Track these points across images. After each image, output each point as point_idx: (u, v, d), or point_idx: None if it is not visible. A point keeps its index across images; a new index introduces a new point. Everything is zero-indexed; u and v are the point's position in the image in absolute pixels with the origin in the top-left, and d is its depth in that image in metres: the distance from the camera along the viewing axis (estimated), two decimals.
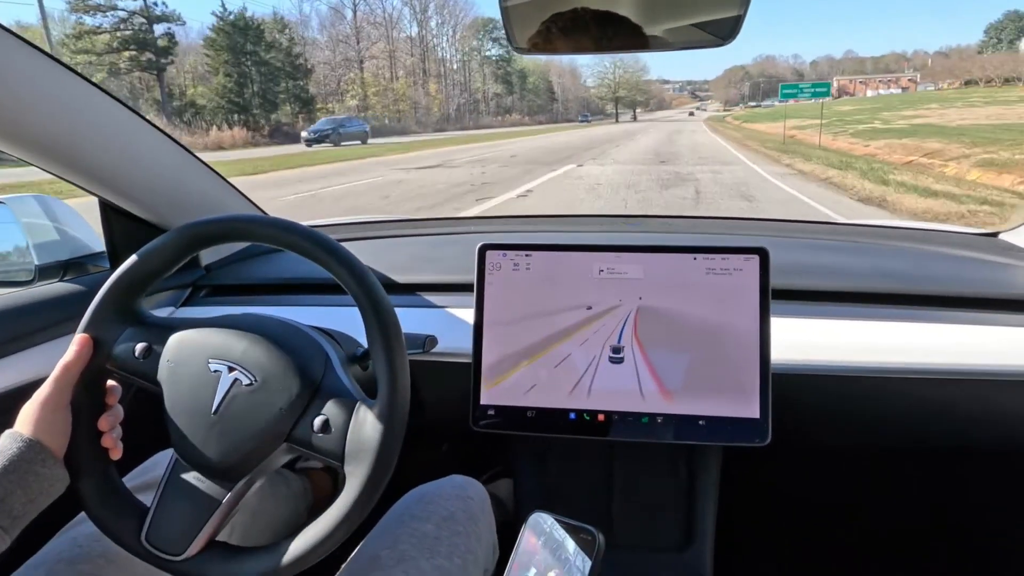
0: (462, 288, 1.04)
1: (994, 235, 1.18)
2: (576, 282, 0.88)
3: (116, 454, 0.66)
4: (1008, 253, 1.09)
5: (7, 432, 0.59)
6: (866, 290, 0.97)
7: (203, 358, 0.63)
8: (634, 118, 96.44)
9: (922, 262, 1.09)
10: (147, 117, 0.97)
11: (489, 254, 0.90)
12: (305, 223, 0.69)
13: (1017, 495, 1.18)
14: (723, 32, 0.70)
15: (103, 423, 0.65)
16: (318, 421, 0.60)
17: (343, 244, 0.64)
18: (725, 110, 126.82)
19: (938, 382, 0.88)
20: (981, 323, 0.90)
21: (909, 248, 1.16)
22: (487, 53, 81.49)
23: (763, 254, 0.84)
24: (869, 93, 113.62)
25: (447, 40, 74.25)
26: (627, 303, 0.87)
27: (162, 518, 0.62)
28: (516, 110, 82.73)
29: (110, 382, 0.66)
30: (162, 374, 0.64)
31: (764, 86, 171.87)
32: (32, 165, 0.86)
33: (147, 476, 0.83)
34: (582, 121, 74.54)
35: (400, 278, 1.08)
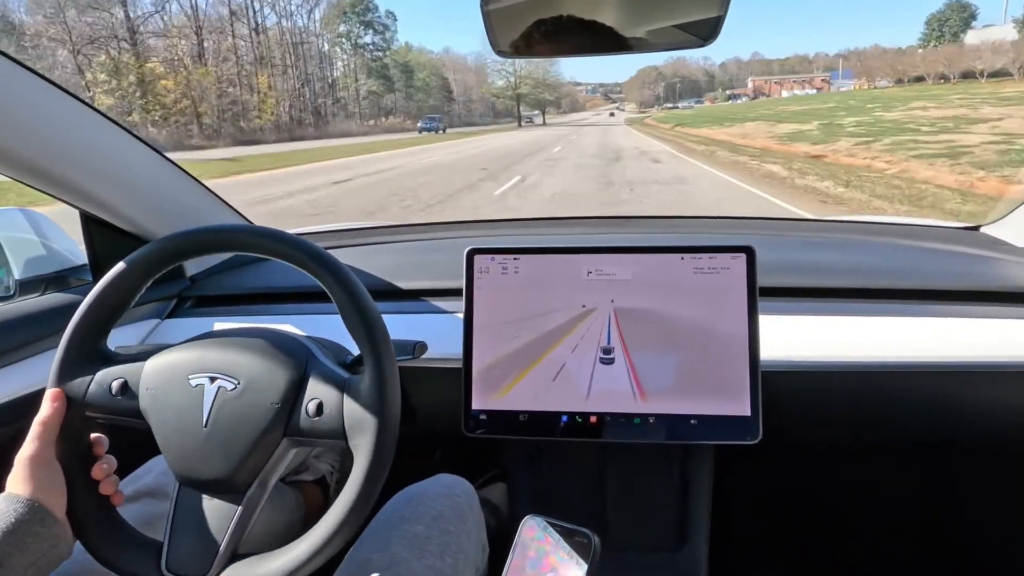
0: (451, 293, 1.03)
1: (976, 228, 1.19)
2: (565, 284, 0.88)
3: (118, 500, 0.65)
4: (990, 246, 1.10)
5: (1, 495, 0.57)
6: (853, 286, 0.98)
7: (183, 376, 0.62)
8: (543, 121, 78.75)
9: (906, 257, 1.11)
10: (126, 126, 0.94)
11: (477, 258, 0.90)
12: (290, 231, 0.68)
13: (1005, 488, 1.19)
14: (704, 33, 0.71)
15: (97, 472, 0.63)
16: (312, 405, 0.60)
17: (330, 251, 0.64)
18: (640, 111, 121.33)
19: (926, 375, 0.89)
20: (966, 316, 0.91)
21: (893, 243, 1.17)
22: (361, 41, 62.36)
23: (750, 252, 0.84)
24: (784, 93, 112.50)
25: (300, 19, 52.31)
26: (616, 304, 0.87)
27: (178, 546, 0.61)
28: (400, 111, 64.72)
29: (94, 435, 0.65)
30: (145, 404, 0.63)
31: (680, 87, 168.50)
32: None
33: (139, 484, 0.82)
34: (426, 130, 44.40)
35: (388, 285, 1.07)
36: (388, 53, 66.77)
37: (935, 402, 0.93)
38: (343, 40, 60.79)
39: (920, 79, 69.01)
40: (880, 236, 1.22)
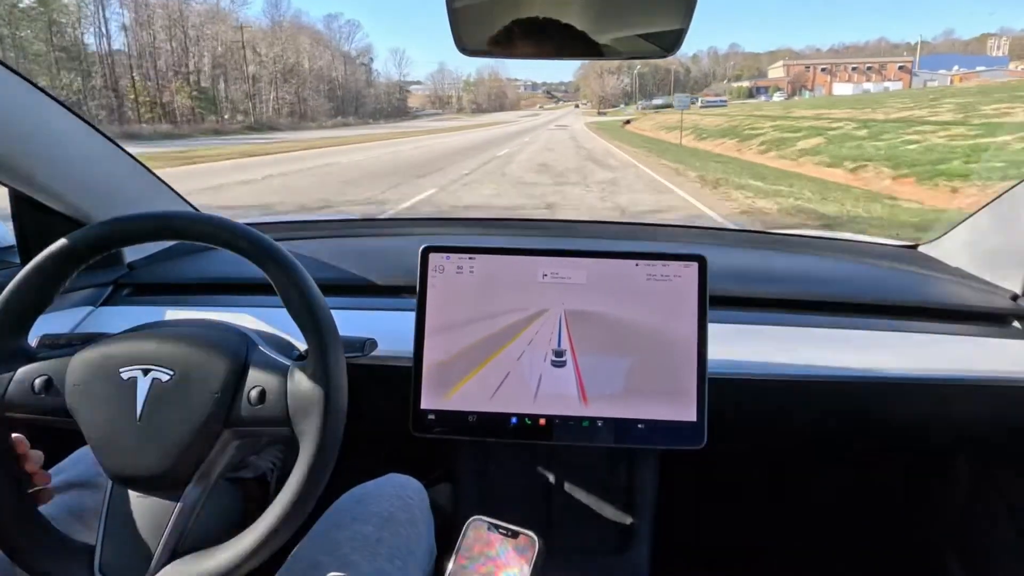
0: (404, 290, 1.02)
1: (914, 247, 1.25)
2: (520, 286, 0.88)
3: (44, 498, 0.62)
4: (925, 264, 1.16)
5: None
6: (798, 298, 1.01)
7: (113, 370, 0.59)
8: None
9: (849, 272, 1.15)
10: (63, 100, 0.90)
11: (432, 256, 0.89)
12: (240, 220, 0.66)
13: (937, 491, 1.25)
14: (666, 44, 0.72)
15: (29, 466, 0.60)
16: (254, 393, 0.58)
17: (279, 244, 0.62)
18: (600, 112, 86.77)
19: (866, 386, 0.93)
20: (903, 331, 0.95)
21: (837, 258, 1.22)
22: None
23: (702, 261, 0.86)
24: (838, 89, 78.10)
25: None
26: (569, 307, 0.87)
27: (112, 549, 0.58)
28: None
29: (15, 435, 0.61)
30: (72, 401, 0.59)
31: (661, 79, 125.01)
32: None
33: (68, 474, 0.78)
34: None
35: (339, 279, 1.05)
36: None
37: (874, 412, 0.97)
38: None
39: None
40: (825, 251, 1.26)
